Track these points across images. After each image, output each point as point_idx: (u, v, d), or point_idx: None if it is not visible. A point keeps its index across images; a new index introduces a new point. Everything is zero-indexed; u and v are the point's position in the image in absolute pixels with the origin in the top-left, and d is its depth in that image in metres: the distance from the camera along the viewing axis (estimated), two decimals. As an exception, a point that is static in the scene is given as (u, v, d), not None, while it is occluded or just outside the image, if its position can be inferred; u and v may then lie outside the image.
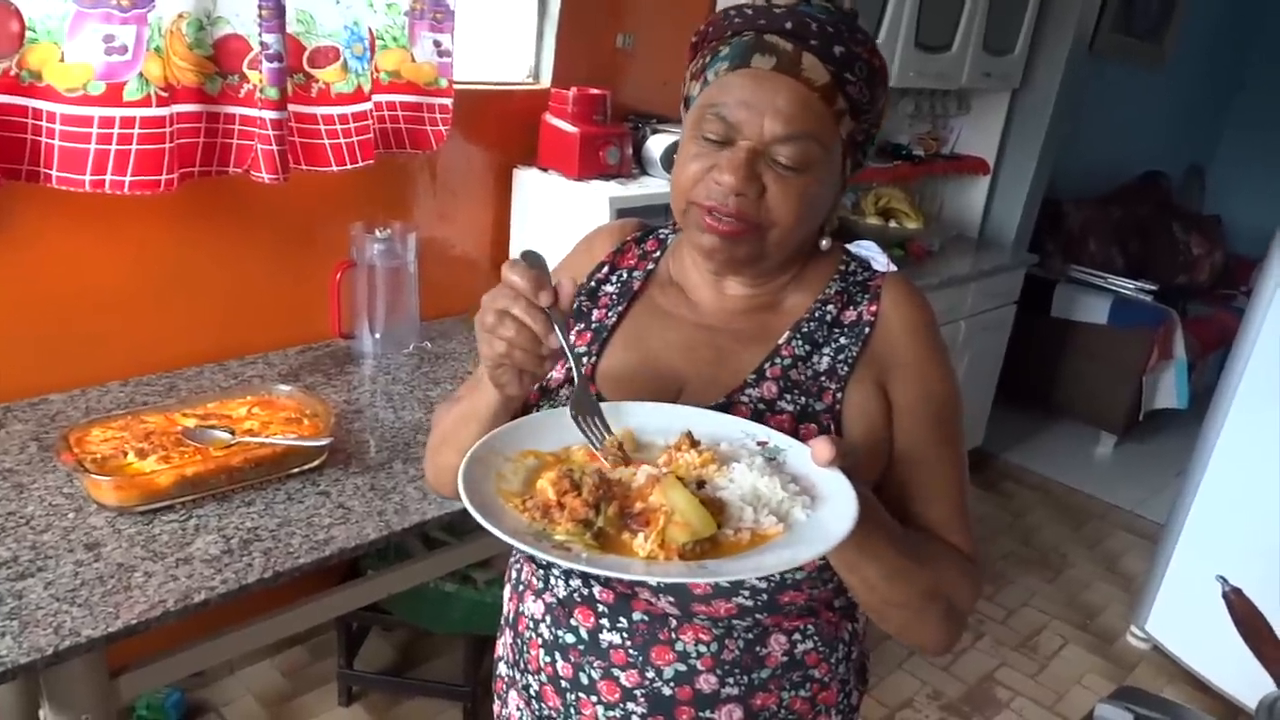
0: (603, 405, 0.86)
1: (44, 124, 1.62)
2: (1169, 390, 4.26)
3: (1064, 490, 4.03)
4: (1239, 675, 2.60)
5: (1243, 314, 2.75)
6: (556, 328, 0.80)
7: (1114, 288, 4.33)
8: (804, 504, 0.76)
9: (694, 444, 0.81)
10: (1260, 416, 2.59)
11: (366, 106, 2.00)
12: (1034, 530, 3.69)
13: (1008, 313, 3.80)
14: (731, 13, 0.90)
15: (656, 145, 2.43)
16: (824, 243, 0.98)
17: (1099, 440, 4.44)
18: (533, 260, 0.82)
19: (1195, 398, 4.17)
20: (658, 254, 1.05)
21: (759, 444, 0.83)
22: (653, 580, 0.83)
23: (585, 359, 0.98)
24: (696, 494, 0.75)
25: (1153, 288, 4.31)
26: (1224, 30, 5.48)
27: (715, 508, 0.75)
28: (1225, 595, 1.23)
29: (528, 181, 2.42)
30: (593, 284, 1.04)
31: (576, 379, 0.85)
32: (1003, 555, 3.45)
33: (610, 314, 1.00)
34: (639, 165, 2.48)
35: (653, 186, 2.36)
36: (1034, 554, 3.51)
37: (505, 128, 2.41)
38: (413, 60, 2.08)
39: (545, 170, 2.39)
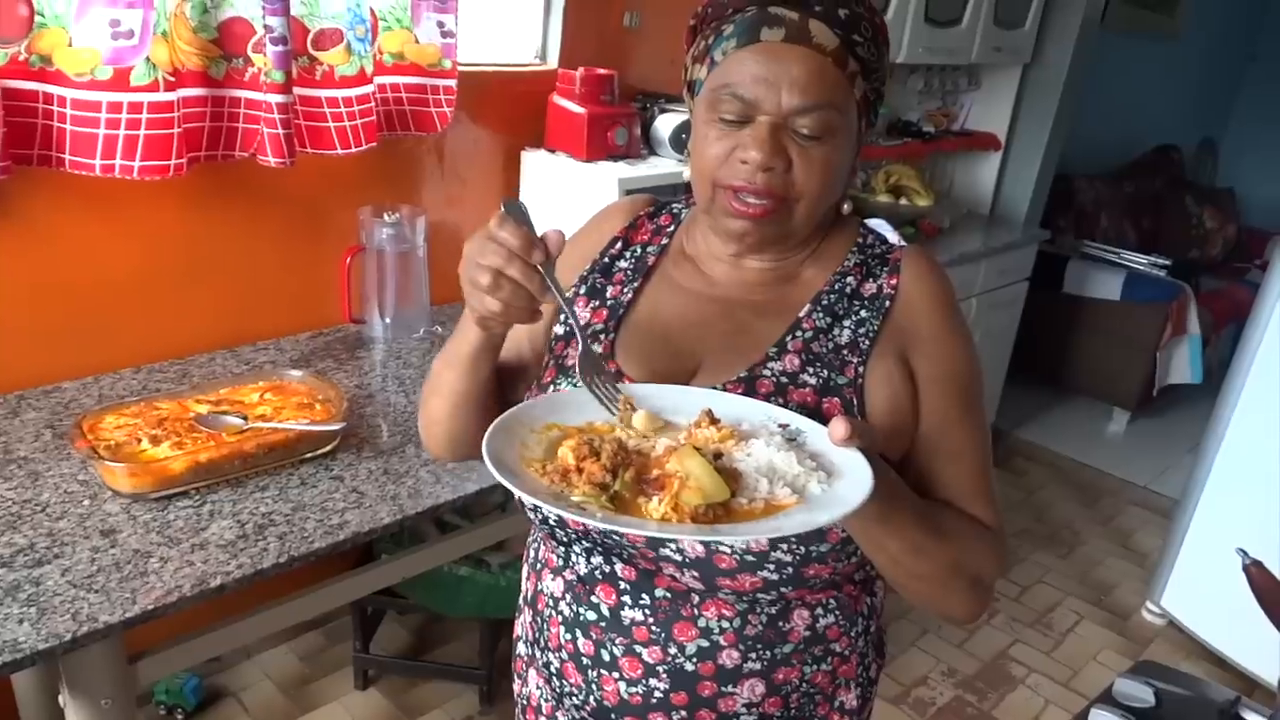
0: (630, 388, 0.87)
1: (55, 108, 1.62)
2: (1183, 365, 4.23)
3: (1077, 467, 4.01)
4: (1255, 650, 2.59)
5: (1257, 288, 2.72)
6: (551, 285, 0.80)
7: (1126, 263, 4.30)
8: (820, 479, 0.76)
9: (714, 421, 0.81)
10: (1275, 390, 2.57)
11: (369, 89, 1.98)
12: (1047, 507, 3.68)
13: (1019, 289, 3.77)
14: None
15: (665, 125, 2.41)
16: (845, 206, 0.97)
17: (1112, 416, 4.42)
18: (519, 214, 0.82)
19: (1209, 372, 4.15)
20: (671, 228, 1.04)
21: (780, 426, 0.83)
22: (664, 535, 0.84)
23: (603, 335, 0.97)
24: (713, 463, 0.76)
25: (1166, 262, 4.27)
26: (1235, 0, 5.41)
27: (730, 477, 0.76)
28: (1245, 568, 1.22)
29: (536, 163, 2.40)
30: (606, 260, 1.03)
31: (579, 339, 0.85)
32: (1016, 532, 3.44)
33: (626, 290, 1.00)
34: (648, 145, 2.45)
35: (662, 167, 2.34)
36: (1047, 531, 3.50)
37: (512, 110, 2.39)
38: (416, 41, 2.06)
39: (553, 152, 2.38)
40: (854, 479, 0.75)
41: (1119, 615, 3.05)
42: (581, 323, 0.86)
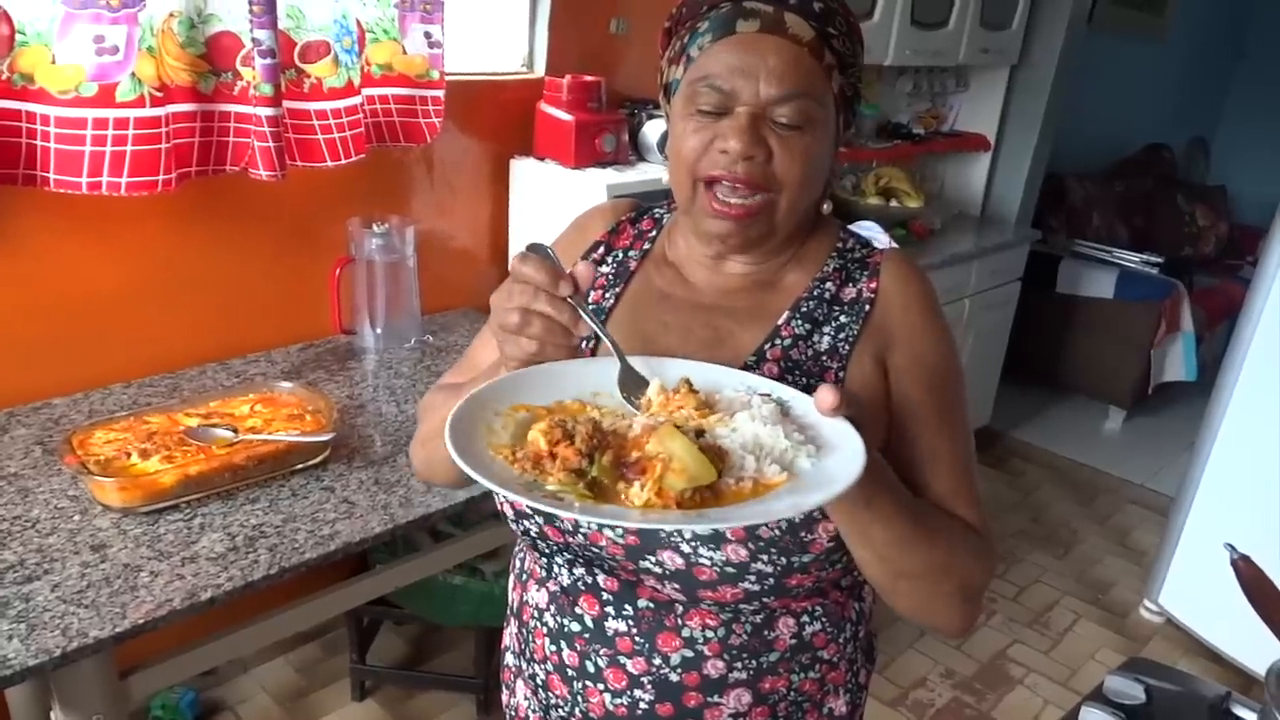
0: (600, 360, 0.85)
1: (39, 127, 1.62)
2: (1177, 363, 4.24)
3: (1073, 466, 4.01)
4: (1253, 646, 2.57)
5: (1249, 284, 2.72)
6: (583, 314, 0.78)
7: (1119, 261, 4.31)
8: (809, 453, 0.73)
9: (691, 390, 0.78)
10: (1268, 386, 2.57)
11: (357, 100, 1.99)
12: (1044, 507, 3.68)
13: (1012, 289, 3.78)
14: None
15: (653, 130, 2.42)
16: (825, 206, 0.97)
17: (1108, 415, 4.42)
18: (541, 252, 0.81)
19: (1204, 369, 4.15)
20: (653, 233, 1.03)
21: (761, 395, 0.79)
22: (648, 526, 0.79)
23: (583, 342, 0.96)
24: (695, 442, 0.71)
25: (1158, 260, 4.28)
26: (1223, -1, 5.43)
27: (715, 456, 0.71)
28: (1233, 562, 1.21)
29: (525, 171, 2.41)
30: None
31: (619, 360, 0.83)
32: (1013, 533, 3.44)
33: (607, 295, 0.99)
34: (636, 151, 2.46)
35: (650, 172, 2.35)
36: (1044, 530, 3.50)
37: (500, 118, 2.40)
38: (404, 53, 2.07)
39: (542, 159, 2.38)
40: (843, 453, 0.71)
41: (1117, 614, 3.05)
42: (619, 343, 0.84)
